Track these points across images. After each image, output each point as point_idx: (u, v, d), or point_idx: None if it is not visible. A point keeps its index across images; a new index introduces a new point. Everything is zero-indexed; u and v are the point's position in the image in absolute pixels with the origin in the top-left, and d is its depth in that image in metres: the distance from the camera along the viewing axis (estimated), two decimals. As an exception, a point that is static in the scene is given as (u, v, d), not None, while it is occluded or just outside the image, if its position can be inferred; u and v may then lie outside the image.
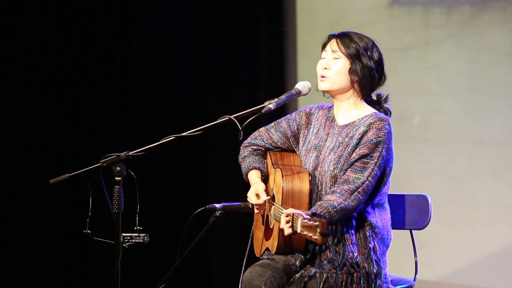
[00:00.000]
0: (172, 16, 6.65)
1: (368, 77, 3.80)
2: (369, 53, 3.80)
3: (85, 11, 6.52)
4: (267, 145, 4.00)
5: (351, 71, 3.80)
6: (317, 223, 3.30)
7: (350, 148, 3.73)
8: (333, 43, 3.83)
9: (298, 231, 3.39)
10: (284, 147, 3.99)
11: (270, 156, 3.97)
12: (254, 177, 3.94)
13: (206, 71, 6.68)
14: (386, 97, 3.91)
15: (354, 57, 3.79)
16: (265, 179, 3.98)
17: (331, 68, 3.81)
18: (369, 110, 3.83)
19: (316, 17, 6.51)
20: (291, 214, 3.49)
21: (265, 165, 3.99)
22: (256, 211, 3.88)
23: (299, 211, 3.51)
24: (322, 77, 3.82)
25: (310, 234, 3.32)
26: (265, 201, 3.83)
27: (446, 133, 6.12)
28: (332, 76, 3.80)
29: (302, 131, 3.95)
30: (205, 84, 6.68)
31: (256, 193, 3.84)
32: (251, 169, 3.97)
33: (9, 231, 6.32)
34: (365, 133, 3.72)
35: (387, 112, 3.89)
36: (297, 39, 6.59)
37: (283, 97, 3.78)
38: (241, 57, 6.66)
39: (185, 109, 6.63)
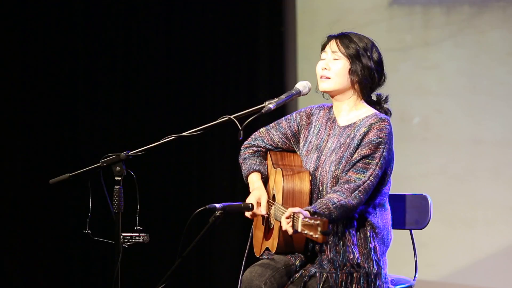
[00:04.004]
0: (172, 16, 6.65)
1: (368, 77, 3.81)
2: (368, 54, 3.81)
3: (86, 11, 6.52)
4: (268, 145, 4.00)
5: (351, 72, 3.80)
6: (318, 221, 3.30)
7: (351, 149, 3.73)
8: (332, 44, 3.84)
9: (299, 230, 3.39)
10: (285, 147, 3.99)
11: (271, 156, 3.97)
12: (255, 180, 3.94)
13: (206, 71, 6.68)
14: (386, 97, 3.91)
15: (354, 58, 3.80)
16: (265, 180, 3.98)
17: (331, 68, 3.81)
18: (369, 110, 3.83)
19: (316, 17, 6.50)
20: (292, 213, 3.49)
21: (266, 167, 3.99)
22: (248, 214, 3.88)
23: (299, 209, 3.51)
24: (322, 77, 3.82)
25: (311, 233, 3.32)
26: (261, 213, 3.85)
27: (446, 133, 6.12)
28: (333, 76, 3.81)
29: (302, 131, 3.95)
30: (205, 84, 6.68)
31: (257, 201, 3.84)
32: (252, 171, 3.96)
33: (9, 231, 6.32)
34: (366, 133, 3.72)
35: (387, 112, 3.89)
36: (297, 39, 6.59)
37: (283, 97, 3.78)
38: (241, 57, 6.65)
39: (185, 109, 6.62)
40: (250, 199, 3.86)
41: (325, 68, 3.82)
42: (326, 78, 3.81)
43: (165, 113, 6.61)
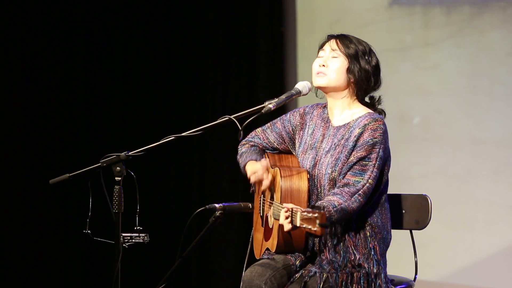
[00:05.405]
0: (172, 15, 6.65)
1: (365, 79, 3.81)
2: (367, 57, 3.82)
3: (86, 11, 6.52)
4: (264, 144, 4.01)
5: (349, 71, 3.80)
6: (316, 214, 3.29)
7: (347, 150, 3.73)
8: (332, 43, 3.84)
9: (298, 224, 3.39)
10: (281, 148, 3.99)
11: (268, 158, 3.97)
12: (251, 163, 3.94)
13: (206, 71, 6.68)
14: (379, 98, 3.90)
15: (352, 58, 3.80)
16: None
17: (329, 66, 3.81)
18: (363, 110, 3.83)
19: (316, 17, 6.51)
20: (290, 209, 3.49)
21: (263, 157, 3.98)
22: (263, 181, 3.81)
23: (298, 206, 3.51)
24: (319, 73, 3.82)
25: (310, 226, 3.32)
26: (267, 169, 3.79)
27: (446, 133, 6.12)
28: (330, 73, 3.80)
29: (297, 132, 3.95)
30: (205, 84, 6.68)
31: (253, 169, 3.81)
32: (248, 161, 3.96)
33: (9, 231, 6.32)
34: (360, 135, 3.72)
35: (381, 113, 3.88)
36: (297, 39, 6.59)
37: (283, 97, 3.78)
38: (241, 57, 6.66)
39: (185, 109, 6.63)
40: (248, 169, 3.84)
41: (323, 65, 3.82)
42: (323, 74, 3.81)
43: (165, 113, 6.61)
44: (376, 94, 3.89)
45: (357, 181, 3.66)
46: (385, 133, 3.74)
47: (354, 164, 3.69)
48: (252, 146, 4.02)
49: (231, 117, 3.69)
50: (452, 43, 6.11)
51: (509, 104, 5.97)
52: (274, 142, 3.99)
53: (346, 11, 6.40)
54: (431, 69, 6.18)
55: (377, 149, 3.70)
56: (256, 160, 3.94)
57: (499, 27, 6.00)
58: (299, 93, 3.83)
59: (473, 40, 6.05)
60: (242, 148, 4.04)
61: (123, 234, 3.69)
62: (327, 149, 3.80)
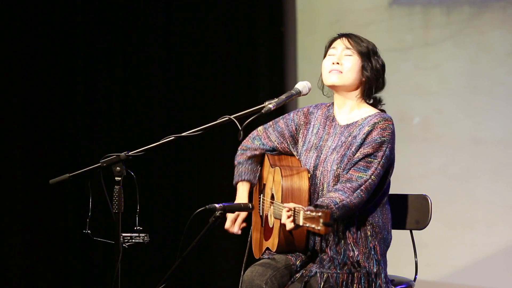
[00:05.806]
0: (172, 15, 6.65)
1: (375, 78, 3.82)
2: (376, 57, 3.83)
3: (86, 10, 6.52)
4: (266, 145, 4.00)
5: (362, 69, 3.80)
6: (319, 213, 3.28)
7: (354, 147, 3.73)
8: (344, 41, 3.84)
9: (301, 223, 3.38)
10: (280, 148, 3.99)
11: (268, 158, 3.98)
12: (241, 192, 4.02)
13: (206, 71, 6.68)
14: (380, 99, 3.91)
15: (365, 56, 3.81)
16: (263, 178, 3.99)
17: (344, 64, 3.81)
18: (372, 110, 3.84)
19: (316, 17, 6.51)
20: (293, 209, 3.49)
21: (257, 174, 4.02)
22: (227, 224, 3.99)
23: (299, 205, 3.51)
24: (334, 71, 3.80)
25: (313, 225, 3.31)
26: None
27: (446, 133, 6.12)
28: (346, 71, 3.80)
29: (301, 131, 3.95)
30: (205, 84, 6.68)
31: (235, 217, 3.98)
32: (241, 180, 4.01)
33: (9, 231, 6.31)
34: (369, 132, 3.72)
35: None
36: (297, 39, 6.59)
37: (283, 97, 3.78)
38: (241, 57, 6.65)
39: (185, 109, 6.63)
40: (230, 218, 3.99)
41: (337, 63, 3.81)
42: (339, 72, 3.80)
43: (165, 113, 6.61)
44: (376, 94, 3.90)
45: (360, 176, 3.67)
46: (393, 134, 3.75)
47: (360, 160, 3.69)
48: (250, 157, 4.02)
49: (231, 117, 3.69)
50: (452, 43, 6.11)
51: (509, 104, 5.97)
52: (275, 141, 3.99)
53: (346, 11, 6.40)
54: (431, 69, 6.18)
55: (384, 148, 3.71)
56: (249, 181, 4.01)
57: (499, 27, 6.00)
58: (299, 93, 3.82)
59: (473, 40, 6.06)
60: (241, 156, 4.04)
61: (123, 234, 3.69)
62: (333, 147, 3.80)
